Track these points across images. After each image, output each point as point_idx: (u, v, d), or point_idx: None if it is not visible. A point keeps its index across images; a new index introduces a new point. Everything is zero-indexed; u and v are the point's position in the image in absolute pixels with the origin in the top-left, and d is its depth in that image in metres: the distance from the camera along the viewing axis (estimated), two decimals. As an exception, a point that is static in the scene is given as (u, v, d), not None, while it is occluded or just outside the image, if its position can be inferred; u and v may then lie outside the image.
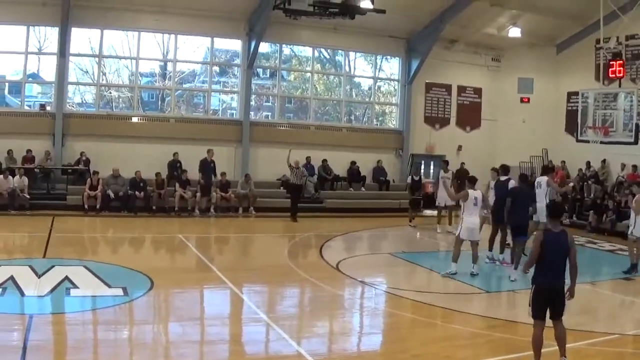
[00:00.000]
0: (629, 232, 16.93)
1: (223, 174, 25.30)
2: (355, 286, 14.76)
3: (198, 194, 24.25)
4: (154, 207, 23.89)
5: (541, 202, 17.25)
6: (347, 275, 15.26)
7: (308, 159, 27.50)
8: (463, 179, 19.30)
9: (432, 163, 31.11)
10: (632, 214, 16.87)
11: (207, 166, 24.79)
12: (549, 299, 9.25)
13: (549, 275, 9.19)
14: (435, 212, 24.05)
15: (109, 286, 12.63)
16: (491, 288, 14.90)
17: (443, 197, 22.09)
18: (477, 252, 15.47)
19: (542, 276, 9.21)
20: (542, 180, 17.99)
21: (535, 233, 13.01)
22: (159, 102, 27.92)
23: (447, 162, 23.84)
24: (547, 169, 19.88)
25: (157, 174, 24.32)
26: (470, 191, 15.43)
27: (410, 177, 25.90)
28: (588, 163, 28.59)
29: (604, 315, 13.25)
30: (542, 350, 9.24)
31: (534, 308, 9.26)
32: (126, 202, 23.59)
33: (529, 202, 16.58)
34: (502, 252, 16.88)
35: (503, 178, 17.15)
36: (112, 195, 23.35)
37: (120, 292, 12.23)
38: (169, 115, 26.87)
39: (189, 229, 20.95)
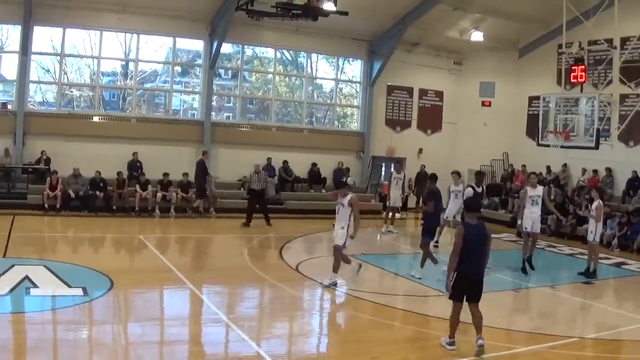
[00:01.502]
0: (591, 239, 17.17)
1: (185, 174, 25.34)
2: (315, 288, 14.83)
3: (159, 194, 24.27)
4: (114, 207, 23.83)
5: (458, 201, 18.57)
6: (307, 277, 15.40)
7: (269, 160, 27.57)
8: (424, 180, 19.71)
9: (392, 165, 31.25)
10: (592, 221, 17.14)
11: (203, 168, 24.73)
12: (468, 285, 10.27)
13: (470, 264, 10.20)
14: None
15: (69, 286, 12.63)
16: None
17: (395, 198, 22.86)
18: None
19: (464, 265, 10.16)
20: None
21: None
22: (121, 102, 27.77)
23: (400, 164, 24.22)
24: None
25: (118, 174, 24.26)
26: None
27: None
28: (548, 167, 29.00)
29: (563, 318, 13.46)
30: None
31: (453, 291, 10.31)
32: (86, 202, 23.51)
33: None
34: None
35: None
36: (72, 194, 23.27)
37: (80, 292, 12.23)
38: (130, 115, 26.75)
39: (149, 229, 20.93)
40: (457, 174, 19.70)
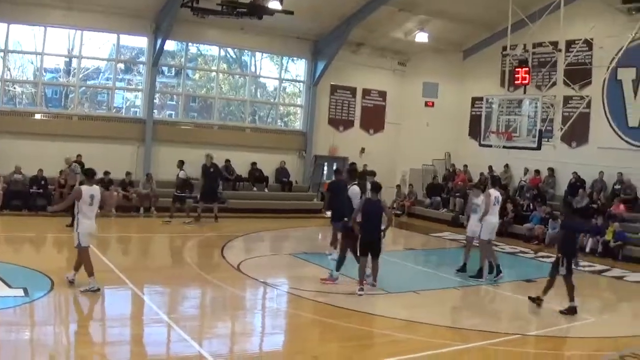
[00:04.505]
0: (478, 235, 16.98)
1: (128, 173, 25.29)
2: (257, 287, 15.02)
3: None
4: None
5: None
6: (249, 276, 15.50)
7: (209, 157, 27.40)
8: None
9: (334, 164, 31.38)
10: (476, 215, 17.03)
11: (207, 171, 24.38)
12: (370, 246, 14.46)
13: (369, 231, 14.40)
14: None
15: (10, 286, 12.54)
16: (392, 289, 15.08)
17: None
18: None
19: (365, 232, 14.41)
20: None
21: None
22: (63, 99, 27.41)
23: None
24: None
25: (61, 172, 23.99)
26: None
27: None
28: (490, 167, 29.40)
29: (506, 316, 13.84)
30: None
31: (360, 251, 14.58)
32: (27, 201, 23.26)
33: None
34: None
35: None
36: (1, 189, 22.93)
37: (21, 292, 12.17)
38: (72, 112, 26.38)
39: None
40: (478, 188, 18.61)
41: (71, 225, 15.01)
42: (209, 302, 14.07)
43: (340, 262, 15.13)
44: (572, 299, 13.83)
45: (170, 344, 10.57)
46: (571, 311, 13.72)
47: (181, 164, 23.75)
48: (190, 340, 10.43)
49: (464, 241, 18.48)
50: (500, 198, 17.07)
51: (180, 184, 23.73)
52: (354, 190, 15.92)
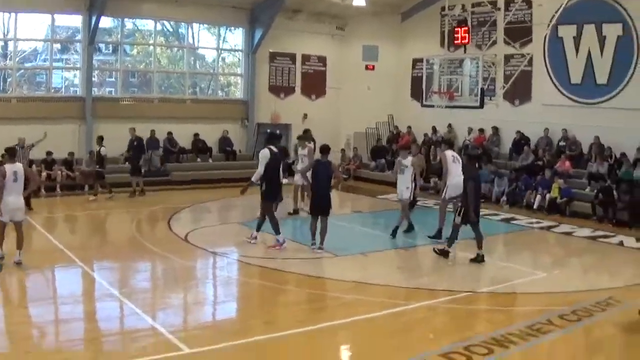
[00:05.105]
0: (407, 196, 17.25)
1: (71, 153, 25.12)
2: (206, 257, 15.17)
3: (44, 173, 23.89)
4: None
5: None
6: (197, 246, 15.68)
7: (152, 132, 27.45)
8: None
9: (277, 132, 31.28)
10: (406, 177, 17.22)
11: (131, 145, 24.54)
12: (320, 205, 15.10)
13: (318, 191, 15.18)
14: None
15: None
16: (340, 252, 15.26)
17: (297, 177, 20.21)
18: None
19: (315, 192, 15.31)
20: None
21: None
22: (1, 83, 26.99)
23: (305, 138, 21.10)
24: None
25: (2, 156, 23.63)
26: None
27: None
28: (434, 128, 29.68)
29: (455, 274, 14.10)
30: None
31: (311, 210, 15.52)
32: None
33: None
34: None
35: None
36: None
37: (-32, 276, 12.10)
38: (11, 95, 26.04)
39: (36, 209, 20.55)
40: (405, 149, 18.49)
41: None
42: (159, 275, 14.14)
43: (275, 227, 15.54)
44: (479, 247, 14.61)
45: (123, 319, 10.68)
46: (443, 253, 14.77)
47: (100, 140, 23.52)
48: (142, 313, 10.53)
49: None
50: (458, 157, 17.20)
51: (100, 160, 23.41)
52: (262, 153, 15.93)
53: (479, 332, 9.93)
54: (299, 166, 19.70)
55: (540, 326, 10.18)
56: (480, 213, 15.19)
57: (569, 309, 11.18)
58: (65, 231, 19.19)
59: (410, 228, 17.49)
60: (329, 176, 15.28)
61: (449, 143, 19.22)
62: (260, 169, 15.50)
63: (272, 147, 16.00)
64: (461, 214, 14.52)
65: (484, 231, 14.91)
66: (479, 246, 14.57)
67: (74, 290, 12.32)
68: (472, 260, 14.54)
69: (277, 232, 15.53)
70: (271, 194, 15.84)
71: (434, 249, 14.97)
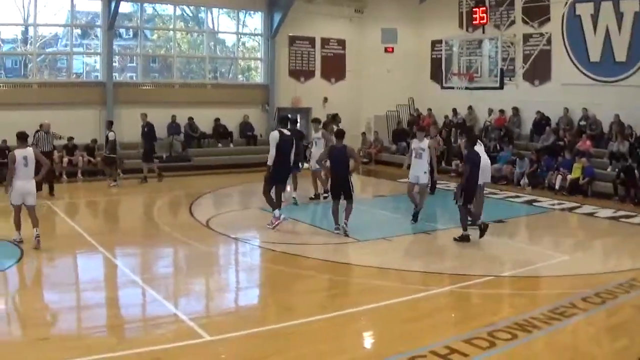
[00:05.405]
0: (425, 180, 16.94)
1: (93, 140, 25.29)
2: (228, 243, 15.10)
3: (65, 159, 23.99)
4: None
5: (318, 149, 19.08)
6: (219, 232, 15.62)
7: (174, 117, 27.53)
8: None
9: (298, 116, 31.30)
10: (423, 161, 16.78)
11: (142, 131, 24.29)
12: (340, 188, 15.22)
13: (338, 174, 15.23)
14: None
15: (-21, 258, 12.50)
16: (363, 237, 15.13)
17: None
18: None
19: (334, 175, 15.41)
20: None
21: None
22: (22, 68, 27.13)
23: (318, 121, 20.95)
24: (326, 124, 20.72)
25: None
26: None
27: None
28: (454, 110, 29.61)
29: (478, 258, 13.80)
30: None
31: (332, 194, 15.57)
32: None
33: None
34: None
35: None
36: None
37: (-9, 263, 12.15)
38: (32, 80, 26.09)
39: (57, 194, 20.61)
40: (422, 131, 17.90)
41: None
42: (181, 261, 14.10)
43: (270, 204, 15.95)
44: (464, 229, 14.79)
45: (145, 305, 10.65)
46: (463, 239, 14.70)
47: (110, 124, 23.39)
48: (164, 300, 10.50)
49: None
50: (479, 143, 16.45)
51: (110, 145, 23.10)
52: (272, 135, 16.02)
53: (502, 317, 9.81)
54: (313, 149, 19.87)
55: (563, 310, 10.04)
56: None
57: (592, 291, 11.04)
58: (86, 216, 19.21)
59: (415, 217, 16.85)
60: (345, 161, 15.26)
61: (472, 137, 17.09)
62: (272, 152, 15.62)
63: (283, 130, 16.09)
64: (462, 195, 14.48)
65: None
66: (464, 227, 14.80)
67: (96, 277, 12.34)
68: (456, 239, 14.74)
69: (273, 208, 15.75)
70: (276, 176, 15.87)
71: (454, 238, 14.84)
